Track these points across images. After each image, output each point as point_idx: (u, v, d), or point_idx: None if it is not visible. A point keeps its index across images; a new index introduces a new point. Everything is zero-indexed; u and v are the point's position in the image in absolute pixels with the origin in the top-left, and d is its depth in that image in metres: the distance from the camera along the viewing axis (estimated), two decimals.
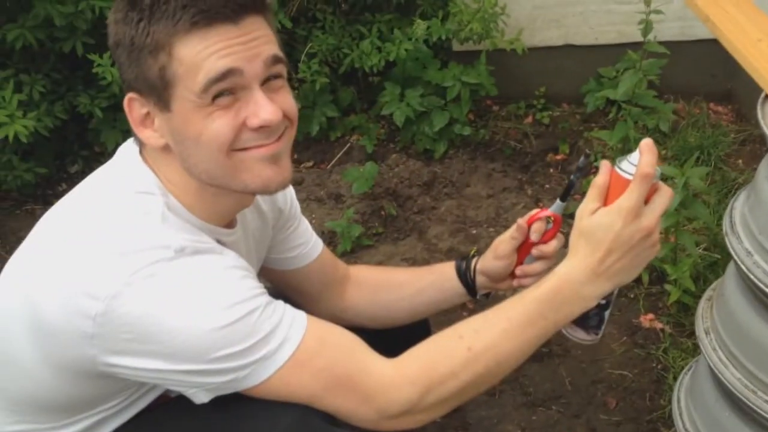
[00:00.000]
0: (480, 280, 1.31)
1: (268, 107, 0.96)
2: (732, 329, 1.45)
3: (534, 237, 1.21)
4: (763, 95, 1.37)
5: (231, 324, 0.93)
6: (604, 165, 1.04)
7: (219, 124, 0.95)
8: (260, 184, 1.01)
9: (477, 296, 1.34)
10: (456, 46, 3.02)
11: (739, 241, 1.38)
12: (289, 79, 1.06)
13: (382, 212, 2.65)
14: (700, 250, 2.22)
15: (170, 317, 0.92)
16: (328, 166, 2.94)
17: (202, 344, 0.93)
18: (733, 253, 1.38)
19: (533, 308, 1.03)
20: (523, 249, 1.24)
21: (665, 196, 1.02)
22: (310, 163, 2.97)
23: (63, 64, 2.67)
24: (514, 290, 1.26)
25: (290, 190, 1.29)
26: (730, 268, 1.49)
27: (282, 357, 0.97)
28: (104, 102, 2.58)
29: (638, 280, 2.25)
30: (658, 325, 2.10)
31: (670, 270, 2.11)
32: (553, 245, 1.22)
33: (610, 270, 1.01)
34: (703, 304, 1.59)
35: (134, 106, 0.99)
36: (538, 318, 1.02)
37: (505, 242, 1.24)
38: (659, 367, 1.99)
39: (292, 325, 0.99)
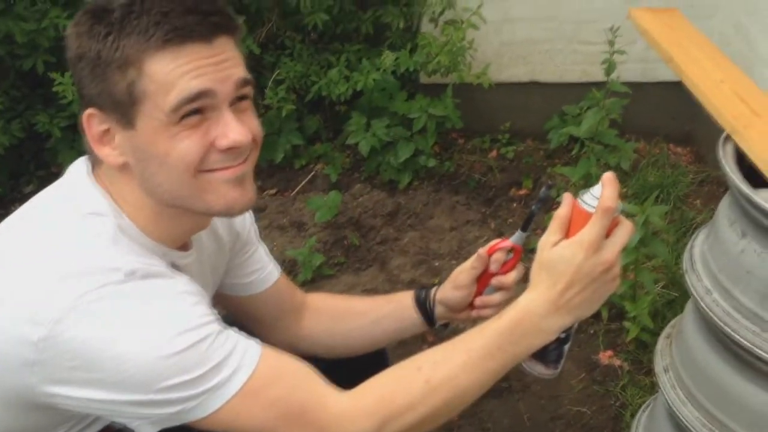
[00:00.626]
0: (439, 310, 1.29)
1: (238, 128, 0.94)
2: (690, 367, 1.45)
3: (494, 267, 1.20)
4: (723, 136, 1.39)
5: (180, 352, 0.90)
6: (567, 197, 1.03)
7: (187, 144, 0.93)
8: (224, 205, 0.99)
9: (435, 326, 1.32)
10: (423, 79, 3.04)
11: (698, 279, 1.39)
12: (256, 105, 1.04)
13: (345, 242, 2.63)
14: (659, 288, 2.24)
15: (116, 344, 0.88)
16: (292, 194, 2.91)
17: (150, 373, 0.89)
18: (692, 290, 1.38)
19: (493, 340, 1.01)
20: (482, 279, 1.23)
21: (626, 230, 1.01)
22: (274, 191, 2.94)
23: (23, 82, 2.62)
24: (474, 321, 1.24)
25: (249, 214, 1.27)
26: (689, 306, 1.50)
27: (233, 387, 0.93)
28: (63, 121, 2.53)
29: (598, 316, 2.25)
30: (617, 362, 2.10)
31: (629, 307, 2.12)
32: (512, 276, 1.21)
33: (571, 303, 1.00)
34: (661, 341, 1.60)
35: (93, 123, 0.96)
36: (498, 351, 1.00)
37: (464, 272, 1.23)
38: (617, 404, 1.98)
39: (245, 353, 0.96)
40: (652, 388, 1.97)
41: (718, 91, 1.50)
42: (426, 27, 2.97)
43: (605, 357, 2.11)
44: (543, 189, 1.14)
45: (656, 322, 2.10)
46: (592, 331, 2.21)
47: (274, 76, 2.81)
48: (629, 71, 2.83)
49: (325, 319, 1.36)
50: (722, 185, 2.89)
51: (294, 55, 2.89)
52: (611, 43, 2.37)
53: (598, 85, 2.55)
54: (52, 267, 0.91)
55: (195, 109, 0.92)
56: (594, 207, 1.00)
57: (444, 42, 2.79)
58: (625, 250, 1.12)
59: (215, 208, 0.99)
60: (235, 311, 1.33)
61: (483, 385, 1.02)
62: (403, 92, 2.95)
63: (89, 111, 0.95)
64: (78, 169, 1.03)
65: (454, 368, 1.00)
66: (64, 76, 2.34)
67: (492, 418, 1.93)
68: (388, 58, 2.75)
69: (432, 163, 2.93)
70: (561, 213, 1.02)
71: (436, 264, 2.54)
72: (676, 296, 2.20)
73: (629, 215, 2.07)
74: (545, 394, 2.00)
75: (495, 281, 1.21)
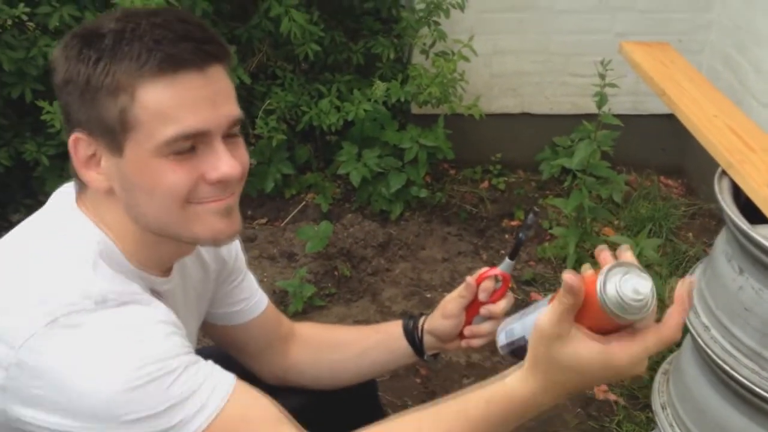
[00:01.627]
0: (428, 340, 1.26)
1: (230, 162, 0.93)
2: (688, 404, 1.43)
3: (482, 296, 1.18)
4: (719, 171, 1.38)
5: (142, 386, 0.86)
6: (589, 279, 0.81)
7: (177, 177, 0.91)
8: (211, 236, 0.97)
9: (425, 357, 1.29)
10: (414, 109, 3.04)
11: (696, 315, 1.37)
12: (246, 135, 1.03)
13: (336, 272, 2.60)
14: None
15: (79, 373, 0.85)
16: (282, 224, 2.89)
17: (111, 405, 0.85)
18: (690, 327, 1.36)
19: (494, 417, 0.91)
20: (471, 308, 1.21)
21: (664, 338, 0.81)
22: (264, 220, 2.91)
23: (11, 110, 2.59)
24: (464, 351, 1.21)
25: (236, 243, 1.24)
26: (687, 343, 1.48)
27: (194, 427, 0.88)
28: (51, 150, 2.50)
29: None
30: (612, 397, 2.07)
31: None
32: (501, 305, 1.18)
33: (567, 395, 0.90)
34: (659, 377, 1.57)
35: (80, 147, 0.94)
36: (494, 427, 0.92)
37: (453, 301, 1.20)
38: None
39: (212, 392, 0.91)
40: (648, 424, 1.94)
41: (711, 125, 1.50)
42: (417, 58, 2.98)
43: (600, 392, 2.09)
44: (530, 216, 1.13)
45: (651, 357, 2.07)
46: None
47: (264, 105, 2.79)
48: (620, 104, 2.85)
49: (311, 349, 1.33)
50: (715, 218, 2.89)
51: (285, 85, 2.89)
52: (602, 76, 2.38)
53: (589, 117, 2.56)
54: (26, 291, 0.89)
55: (188, 146, 0.91)
56: (629, 314, 0.78)
57: (435, 73, 2.80)
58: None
59: (202, 238, 0.98)
60: (222, 341, 1.30)
61: None
62: (394, 122, 2.95)
63: (76, 135, 0.93)
64: (62, 193, 1.01)
65: None
66: (52, 105, 2.32)
67: None
68: (379, 88, 2.75)
69: (423, 193, 2.92)
70: (580, 298, 0.80)
71: (428, 295, 2.51)
72: None
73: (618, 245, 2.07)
74: (539, 429, 1.96)
75: (484, 310, 1.18)
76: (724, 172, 1.38)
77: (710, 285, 1.37)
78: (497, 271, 1.17)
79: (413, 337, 1.27)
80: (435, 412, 0.94)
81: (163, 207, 0.93)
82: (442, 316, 1.22)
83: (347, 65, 2.98)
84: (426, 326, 1.26)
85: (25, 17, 2.30)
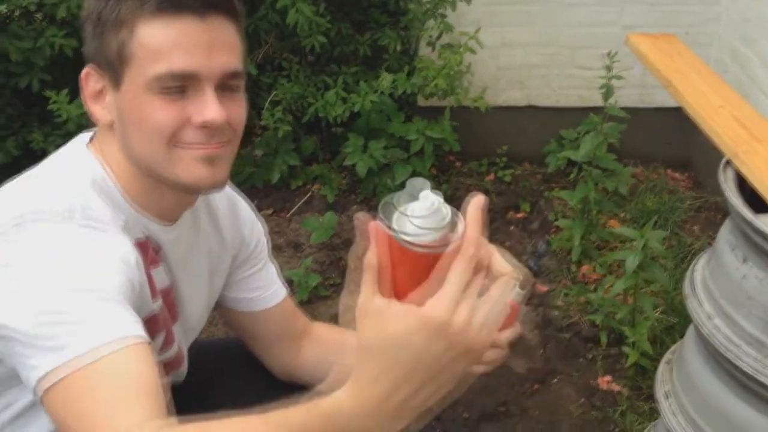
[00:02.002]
0: None
1: (214, 108, 0.96)
2: (692, 393, 1.43)
3: None
4: (724, 161, 1.38)
5: (59, 299, 0.84)
6: (374, 231, 0.69)
7: (163, 115, 0.95)
8: (192, 180, 0.99)
9: None
10: (421, 101, 3.04)
11: (699, 304, 1.37)
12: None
13: (341, 263, 2.60)
14: (657, 314, 2.22)
15: (14, 271, 0.87)
16: (288, 215, 2.89)
17: (25, 310, 0.84)
18: (694, 316, 1.37)
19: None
20: None
21: (503, 287, 0.71)
22: (270, 211, 2.92)
23: (18, 100, 2.61)
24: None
25: (259, 228, 1.26)
26: (690, 332, 1.48)
27: (47, 362, 0.81)
28: (59, 139, 2.51)
29: (596, 341, 2.23)
30: (616, 388, 2.07)
31: (629, 332, 2.10)
32: (506, 335, 1.13)
33: (408, 404, 0.68)
34: (662, 367, 1.58)
35: (90, 80, 1.00)
36: None
37: None
38: (617, 430, 1.95)
39: (88, 333, 0.82)
40: (652, 414, 1.95)
41: (717, 116, 1.50)
42: (423, 50, 2.98)
43: (604, 382, 2.09)
44: (540, 243, 1.11)
45: (655, 348, 2.07)
46: (590, 357, 2.19)
47: (270, 97, 2.80)
48: (627, 96, 2.84)
49: (322, 350, 1.31)
50: (720, 211, 2.88)
51: (291, 76, 2.89)
52: (608, 68, 2.38)
53: (596, 110, 2.55)
54: (12, 201, 0.94)
55: (177, 86, 0.95)
56: (425, 244, 0.66)
57: (441, 66, 2.79)
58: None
59: (183, 181, 0.99)
60: (234, 327, 1.31)
61: None
62: (400, 114, 2.95)
63: (87, 69, 1.00)
64: (81, 136, 1.06)
65: None
66: (59, 95, 2.33)
67: None
68: (385, 79, 2.75)
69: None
70: (375, 260, 0.68)
71: None
72: (675, 322, 2.19)
73: (628, 240, 2.06)
74: (544, 418, 1.97)
75: None
76: (728, 162, 1.38)
77: (714, 274, 1.37)
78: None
79: None
80: (261, 416, 0.75)
81: (150, 143, 0.97)
82: None
83: (354, 57, 2.98)
84: None
85: (32, 7, 2.31)
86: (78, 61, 2.41)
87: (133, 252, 0.96)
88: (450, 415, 1.98)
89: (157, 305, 1.04)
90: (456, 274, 0.67)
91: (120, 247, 0.95)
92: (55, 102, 2.32)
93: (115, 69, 0.96)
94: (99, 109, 1.00)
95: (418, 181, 0.69)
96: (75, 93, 2.40)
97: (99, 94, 1.00)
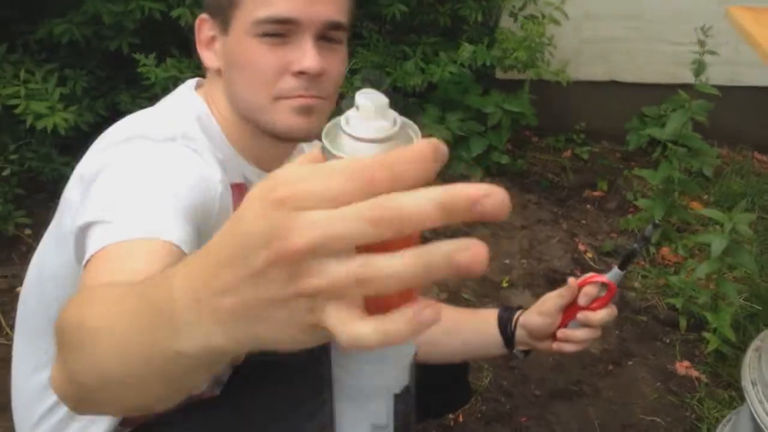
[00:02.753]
0: (520, 333, 1.24)
1: (311, 56, 0.98)
2: None
3: (582, 301, 1.13)
4: None
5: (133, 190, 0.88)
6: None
7: (265, 60, 0.98)
8: (286, 127, 1.02)
9: (514, 350, 1.27)
10: (499, 74, 2.99)
11: None
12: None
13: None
14: (741, 300, 2.15)
15: (113, 172, 0.91)
16: None
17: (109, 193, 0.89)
18: None
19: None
20: (569, 311, 1.16)
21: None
22: None
23: (107, 62, 2.67)
24: (553, 353, 1.19)
25: None
26: None
27: (95, 237, 0.83)
28: (145, 102, 2.57)
29: (675, 326, 2.18)
30: (694, 374, 2.03)
31: (710, 318, 2.04)
32: (600, 315, 1.13)
33: (220, 303, 0.45)
34: (750, 354, 1.53)
35: (203, 28, 1.05)
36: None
37: (551, 299, 1.17)
38: (693, 416, 1.91)
39: (112, 228, 0.82)
40: (731, 402, 1.90)
41: None
42: (505, 22, 2.92)
43: (682, 367, 2.04)
44: (648, 227, 1.08)
45: (737, 335, 2.01)
46: (668, 341, 2.14)
47: (349, 65, 2.80)
48: (715, 74, 2.72)
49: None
50: None
51: (370, 45, 2.88)
52: (701, 43, 2.29)
53: (680, 87, 2.47)
54: (124, 127, 0.99)
55: (278, 31, 0.98)
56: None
57: (522, 37, 2.74)
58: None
59: (278, 127, 1.02)
60: None
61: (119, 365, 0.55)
62: (477, 86, 2.91)
63: (202, 16, 1.05)
64: (185, 83, 1.11)
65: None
66: (148, 58, 2.38)
67: (560, 421, 1.88)
68: (465, 50, 2.71)
69: (505, 159, 2.88)
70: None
71: (507, 262, 2.50)
72: (759, 309, 2.11)
73: (715, 224, 2.00)
74: (618, 400, 1.94)
75: (581, 316, 1.14)
76: None
77: None
78: (604, 278, 1.12)
79: (506, 327, 1.25)
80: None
81: (252, 89, 1.00)
82: (538, 312, 1.20)
83: (433, 27, 2.95)
84: (520, 320, 1.24)
85: None
86: (166, 25, 2.47)
87: (222, 182, 0.98)
88: (521, 391, 1.97)
89: None
90: (359, 166, 0.42)
91: (208, 169, 0.98)
92: (144, 65, 2.37)
93: (225, 13, 1.00)
94: (210, 55, 1.05)
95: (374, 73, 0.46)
96: (162, 56, 2.45)
97: (211, 40, 1.05)
